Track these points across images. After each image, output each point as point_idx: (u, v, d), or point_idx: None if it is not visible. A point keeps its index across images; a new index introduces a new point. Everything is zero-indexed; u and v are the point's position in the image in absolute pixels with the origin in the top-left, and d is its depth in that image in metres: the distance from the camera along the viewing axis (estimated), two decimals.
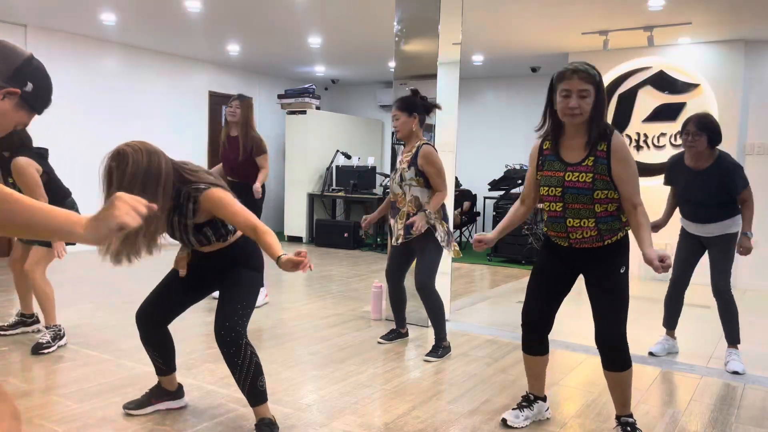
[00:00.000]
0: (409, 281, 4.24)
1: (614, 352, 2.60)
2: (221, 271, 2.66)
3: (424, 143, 3.81)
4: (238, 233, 2.64)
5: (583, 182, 2.51)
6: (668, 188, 4.01)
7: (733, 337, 3.83)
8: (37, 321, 4.14)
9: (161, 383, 2.89)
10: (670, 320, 4.08)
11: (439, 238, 3.76)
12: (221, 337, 2.47)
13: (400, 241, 3.86)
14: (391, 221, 3.99)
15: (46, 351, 3.70)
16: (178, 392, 2.94)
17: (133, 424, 2.72)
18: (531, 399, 2.91)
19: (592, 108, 2.49)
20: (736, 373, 3.71)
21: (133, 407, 2.84)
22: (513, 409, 2.90)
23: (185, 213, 2.47)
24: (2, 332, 4.04)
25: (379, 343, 4.14)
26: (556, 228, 2.63)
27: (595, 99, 2.48)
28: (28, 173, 3.55)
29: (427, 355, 3.88)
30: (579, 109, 2.47)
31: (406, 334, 4.28)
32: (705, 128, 3.60)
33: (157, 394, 2.89)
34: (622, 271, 2.57)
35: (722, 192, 3.64)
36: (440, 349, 3.90)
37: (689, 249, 3.91)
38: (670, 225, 4.09)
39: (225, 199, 2.42)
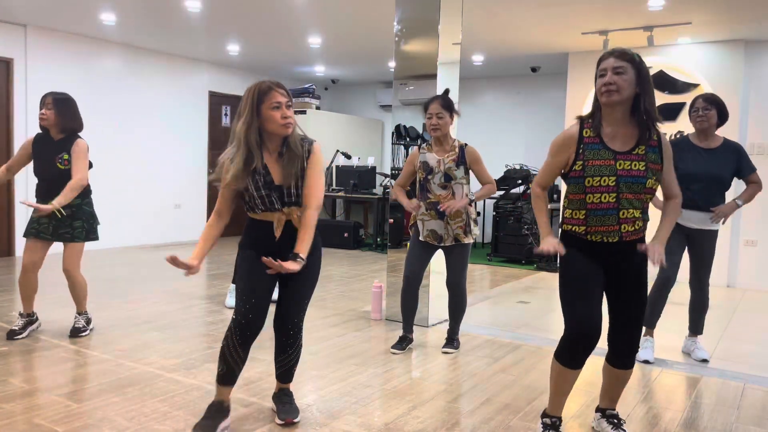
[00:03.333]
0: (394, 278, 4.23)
1: (632, 353, 2.57)
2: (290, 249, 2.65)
3: (465, 143, 3.88)
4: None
5: (637, 170, 2.42)
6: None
7: (698, 327, 3.96)
8: (37, 318, 4.14)
9: (223, 397, 2.69)
10: (652, 318, 3.98)
11: (476, 234, 3.91)
12: (286, 330, 2.71)
13: (458, 241, 3.84)
14: (430, 223, 3.85)
15: (83, 334, 4.04)
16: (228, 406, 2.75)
17: (133, 425, 2.72)
18: (557, 425, 2.63)
19: (637, 94, 2.38)
20: (705, 360, 3.86)
21: None
22: None
23: (301, 160, 2.65)
24: (17, 337, 3.94)
25: (392, 353, 3.94)
26: (606, 221, 2.44)
27: (639, 83, 2.38)
28: (86, 156, 3.93)
29: (445, 347, 3.99)
30: (615, 85, 2.36)
31: (412, 339, 4.13)
32: (715, 103, 3.70)
33: (223, 413, 2.67)
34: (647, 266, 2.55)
35: (732, 172, 3.68)
36: (455, 341, 4.03)
37: (675, 246, 3.82)
38: (653, 225, 4.07)
39: (321, 160, 2.72)
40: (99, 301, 5.01)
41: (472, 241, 3.88)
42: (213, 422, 2.62)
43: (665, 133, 2.52)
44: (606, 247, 2.49)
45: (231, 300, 5.00)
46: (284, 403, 2.84)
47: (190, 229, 9.09)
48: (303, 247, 2.56)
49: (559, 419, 2.64)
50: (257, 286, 2.60)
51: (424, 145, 3.94)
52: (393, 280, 4.81)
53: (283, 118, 2.56)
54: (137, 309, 4.83)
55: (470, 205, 3.84)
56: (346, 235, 8.92)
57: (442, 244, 3.87)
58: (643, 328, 4.04)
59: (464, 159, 3.81)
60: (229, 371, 2.62)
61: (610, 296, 2.57)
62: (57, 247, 4.06)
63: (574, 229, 2.52)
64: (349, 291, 5.86)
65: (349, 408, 3.01)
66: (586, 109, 2.88)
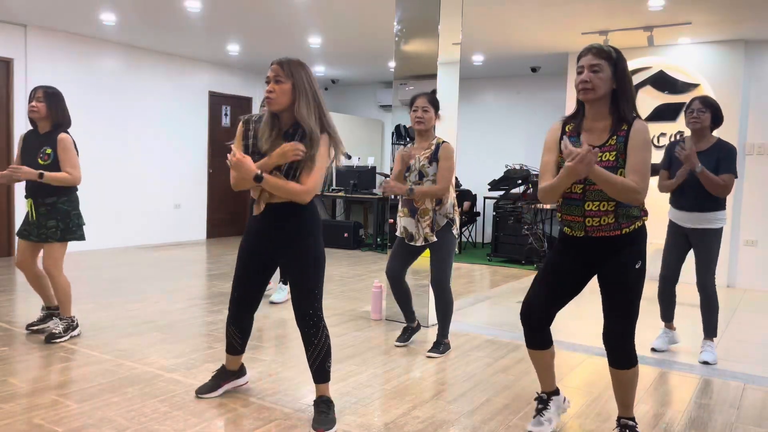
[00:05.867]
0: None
1: (619, 350, 2.54)
2: (290, 238, 2.77)
3: (443, 141, 3.87)
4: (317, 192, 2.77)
5: (606, 161, 2.44)
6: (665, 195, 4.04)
7: (710, 330, 3.94)
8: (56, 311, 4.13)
9: (227, 365, 3.12)
10: (666, 313, 4.15)
11: (455, 232, 3.86)
12: (304, 321, 2.74)
13: (427, 241, 3.80)
14: (403, 220, 3.91)
15: (58, 340, 3.87)
16: (241, 370, 3.19)
17: (134, 424, 2.72)
18: (545, 399, 2.80)
19: (613, 89, 2.43)
20: (706, 363, 3.83)
21: (204, 392, 3.07)
22: (533, 417, 2.77)
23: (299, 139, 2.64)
24: (33, 327, 4.07)
25: (396, 346, 4.05)
26: (573, 211, 2.53)
27: (616, 79, 2.43)
28: (74, 149, 3.86)
29: (430, 351, 3.92)
30: (590, 83, 2.41)
31: (418, 327, 4.20)
32: (710, 105, 3.77)
33: (224, 376, 3.12)
34: (637, 266, 2.50)
35: (715, 172, 3.70)
36: (442, 345, 3.95)
37: (676, 244, 3.99)
38: (658, 227, 4.08)
39: (324, 152, 2.65)
40: (99, 301, 5.01)
41: (434, 239, 3.80)
42: (214, 383, 3.10)
43: (644, 123, 2.48)
44: (581, 242, 2.57)
45: (276, 296, 5.26)
46: (319, 411, 2.76)
47: (190, 229, 9.09)
48: (269, 178, 2.61)
49: (547, 394, 2.81)
50: (242, 280, 2.90)
51: (410, 144, 4.00)
52: None
53: (266, 92, 2.63)
54: (137, 309, 4.83)
55: (409, 195, 3.76)
56: (346, 235, 8.92)
57: (413, 243, 3.86)
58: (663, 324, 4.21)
59: (437, 156, 3.80)
60: (227, 343, 3.07)
61: (602, 295, 2.60)
62: (77, 248, 4.03)
63: (558, 215, 2.65)
64: (349, 291, 5.86)
65: (349, 408, 3.01)
66: None
